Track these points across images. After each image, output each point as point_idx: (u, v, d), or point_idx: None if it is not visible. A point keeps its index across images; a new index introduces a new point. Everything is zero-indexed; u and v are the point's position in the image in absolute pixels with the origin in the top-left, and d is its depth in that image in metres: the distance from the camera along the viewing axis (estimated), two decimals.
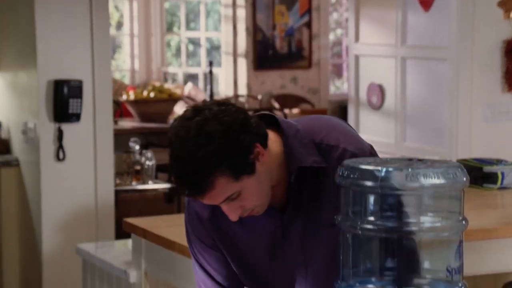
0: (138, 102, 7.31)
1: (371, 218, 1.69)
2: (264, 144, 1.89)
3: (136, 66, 10.49)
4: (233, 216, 1.90)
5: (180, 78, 10.66)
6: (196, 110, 1.86)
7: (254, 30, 9.92)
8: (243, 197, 1.88)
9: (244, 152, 1.84)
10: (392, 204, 1.69)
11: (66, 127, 4.76)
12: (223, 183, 1.83)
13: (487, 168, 3.92)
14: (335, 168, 1.76)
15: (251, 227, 2.00)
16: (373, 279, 1.72)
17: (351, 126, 2.07)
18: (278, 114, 7.47)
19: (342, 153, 1.94)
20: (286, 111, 8.31)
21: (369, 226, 1.69)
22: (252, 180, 1.86)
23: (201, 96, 9.47)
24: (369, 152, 2.00)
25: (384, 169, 1.68)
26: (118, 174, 5.60)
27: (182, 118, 1.86)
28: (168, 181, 7.06)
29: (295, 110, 9.37)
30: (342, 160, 1.81)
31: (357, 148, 1.97)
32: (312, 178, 1.92)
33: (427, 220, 1.69)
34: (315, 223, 1.94)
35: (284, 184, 1.95)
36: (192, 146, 1.81)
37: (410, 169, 1.68)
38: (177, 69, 10.73)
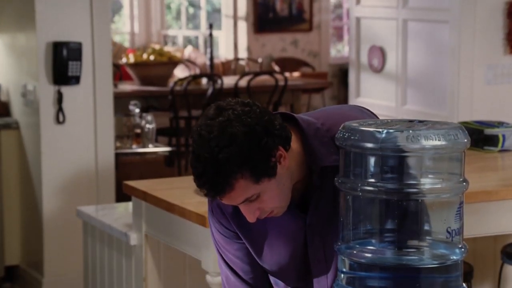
0: (138, 65, 7.28)
1: (372, 180, 1.69)
2: (287, 147, 1.87)
3: (136, 28, 10.44)
4: (251, 218, 1.90)
5: (180, 41, 10.61)
6: (220, 109, 1.84)
7: None
8: (262, 199, 1.87)
9: (266, 155, 1.83)
10: (392, 165, 1.68)
11: (66, 90, 4.74)
12: (243, 185, 1.83)
13: (488, 131, 3.90)
14: None
15: (274, 225, 2.00)
16: (373, 241, 1.72)
17: (373, 113, 2.04)
18: (279, 78, 7.44)
19: None
20: (287, 74, 8.28)
21: (370, 188, 1.69)
22: (273, 183, 1.86)
23: (201, 59, 9.43)
24: None
25: (385, 131, 1.67)
26: (118, 137, 5.59)
27: (205, 116, 1.85)
28: (168, 144, 7.06)
29: (296, 74, 9.34)
30: None
31: None
32: (333, 175, 1.88)
33: (427, 182, 1.69)
34: (335, 221, 1.94)
35: (304, 181, 1.94)
36: (214, 147, 1.80)
37: (411, 131, 1.67)
38: (177, 32, 10.68)
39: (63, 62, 4.67)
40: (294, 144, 1.91)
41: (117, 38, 10.32)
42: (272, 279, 2.13)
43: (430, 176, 1.70)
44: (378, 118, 2.01)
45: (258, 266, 2.08)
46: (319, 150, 1.91)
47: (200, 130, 1.83)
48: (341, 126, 1.77)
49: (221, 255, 2.10)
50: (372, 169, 1.69)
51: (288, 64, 10.04)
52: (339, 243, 1.77)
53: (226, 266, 2.10)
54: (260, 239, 2.03)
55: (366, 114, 2.02)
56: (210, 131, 1.81)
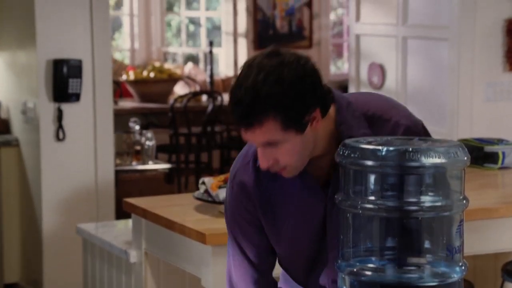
0: (138, 82, 7.30)
1: (372, 198, 1.69)
2: (324, 113, 1.91)
3: (136, 46, 10.46)
4: (264, 163, 1.91)
5: (180, 58, 10.63)
6: (278, 52, 1.89)
7: (255, 9, 9.89)
8: (281, 149, 1.89)
9: (303, 109, 1.86)
10: (393, 183, 1.68)
11: (66, 107, 4.75)
12: (271, 126, 1.85)
13: (488, 148, 3.91)
14: None
15: (295, 200, 2.02)
16: (373, 259, 1.71)
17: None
18: None
19: (394, 126, 1.96)
20: None
21: (370, 206, 1.68)
22: (297, 138, 1.88)
23: (201, 76, 9.44)
24: (422, 126, 2.00)
25: (385, 148, 1.67)
26: (118, 154, 5.60)
27: (263, 52, 1.90)
28: (168, 161, 7.06)
29: None
30: (394, 134, 1.87)
31: (411, 121, 1.98)
32: None
33: (427, 200, 1.68)
34: None
35: (330, 155, 1.94)
36: (260, 82, 1.84)
37: (411, 148, 1.67)
38: (177, 49, 10.70)
39: (63, 79, 4.68)
40: (327, 115, 1.94)
41: (117, 55, 10.34)
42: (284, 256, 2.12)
43: (430, 194, 1.69)
44: (404, 106, 2.03)
45: (268, 254, 2.09)
46: (350, 122, 1.94)
47: (252, 62, 1.88)
48: (341, 143, 1.77)
49: (234, 237, 2.10)
50: (372, 186, 1.69)
51: None
52: (339, 261, 1.76)
53: (237, 247, 2.10)
54: (278, 215, 2.03)
55: (393, 101, 2.04)
56: (261, 66, 1.85)
